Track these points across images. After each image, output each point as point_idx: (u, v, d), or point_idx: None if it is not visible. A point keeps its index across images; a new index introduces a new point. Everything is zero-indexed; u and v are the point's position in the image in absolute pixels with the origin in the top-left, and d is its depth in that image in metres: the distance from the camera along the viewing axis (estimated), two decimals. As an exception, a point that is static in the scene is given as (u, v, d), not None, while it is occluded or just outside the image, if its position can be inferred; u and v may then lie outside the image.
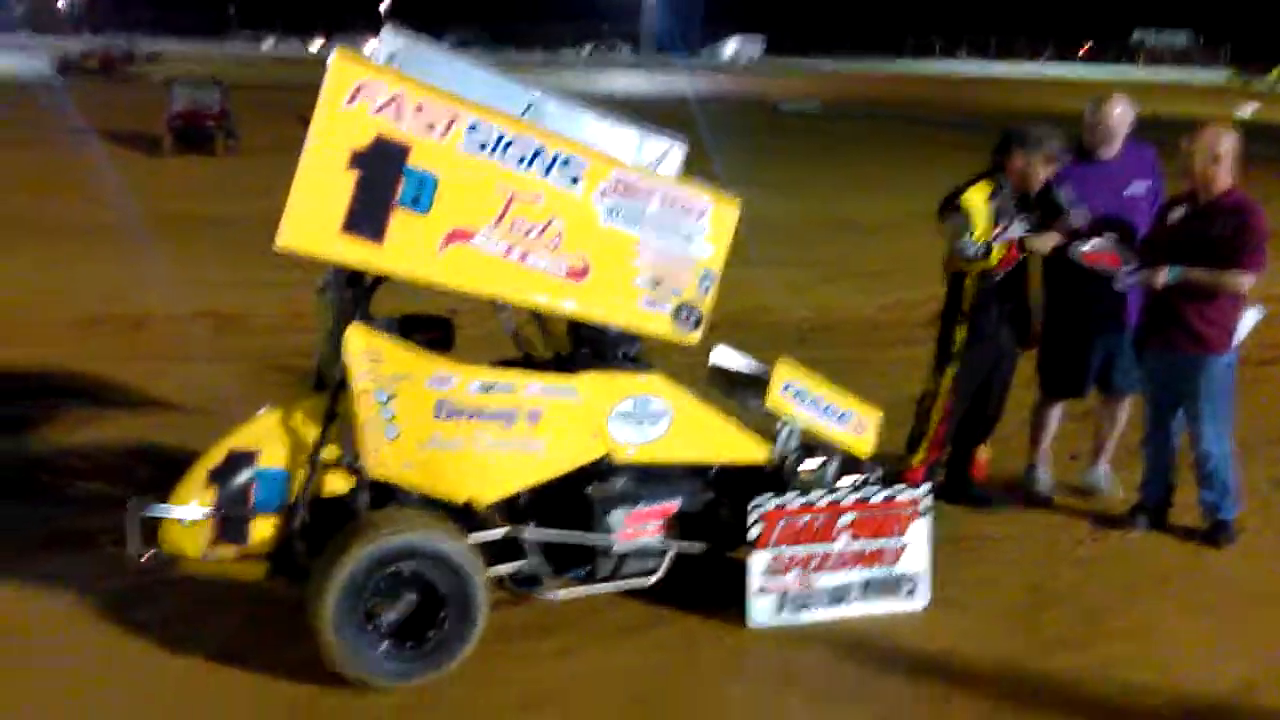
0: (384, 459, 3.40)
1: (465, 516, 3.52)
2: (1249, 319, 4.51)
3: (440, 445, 3.45)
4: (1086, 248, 4.57)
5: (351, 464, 3.41)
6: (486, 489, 3.54)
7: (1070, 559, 4.51)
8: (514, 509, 3.66)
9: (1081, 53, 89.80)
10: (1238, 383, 4.62)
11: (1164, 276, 4.40)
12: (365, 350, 3.36)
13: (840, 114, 35.39)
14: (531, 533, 3.61)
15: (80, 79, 38.32)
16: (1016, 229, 4.60)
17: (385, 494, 3.49)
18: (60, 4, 79.01)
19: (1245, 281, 4.36)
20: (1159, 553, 4.57)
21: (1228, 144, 4.41)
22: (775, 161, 20.84)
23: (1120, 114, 4.83)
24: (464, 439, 3.47)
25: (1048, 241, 4.63)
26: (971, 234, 4.56)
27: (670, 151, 3.98)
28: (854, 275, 10.27)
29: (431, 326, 3.83)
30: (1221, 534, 4.59)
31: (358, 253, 3.24)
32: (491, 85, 3.71)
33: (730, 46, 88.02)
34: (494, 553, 3.58)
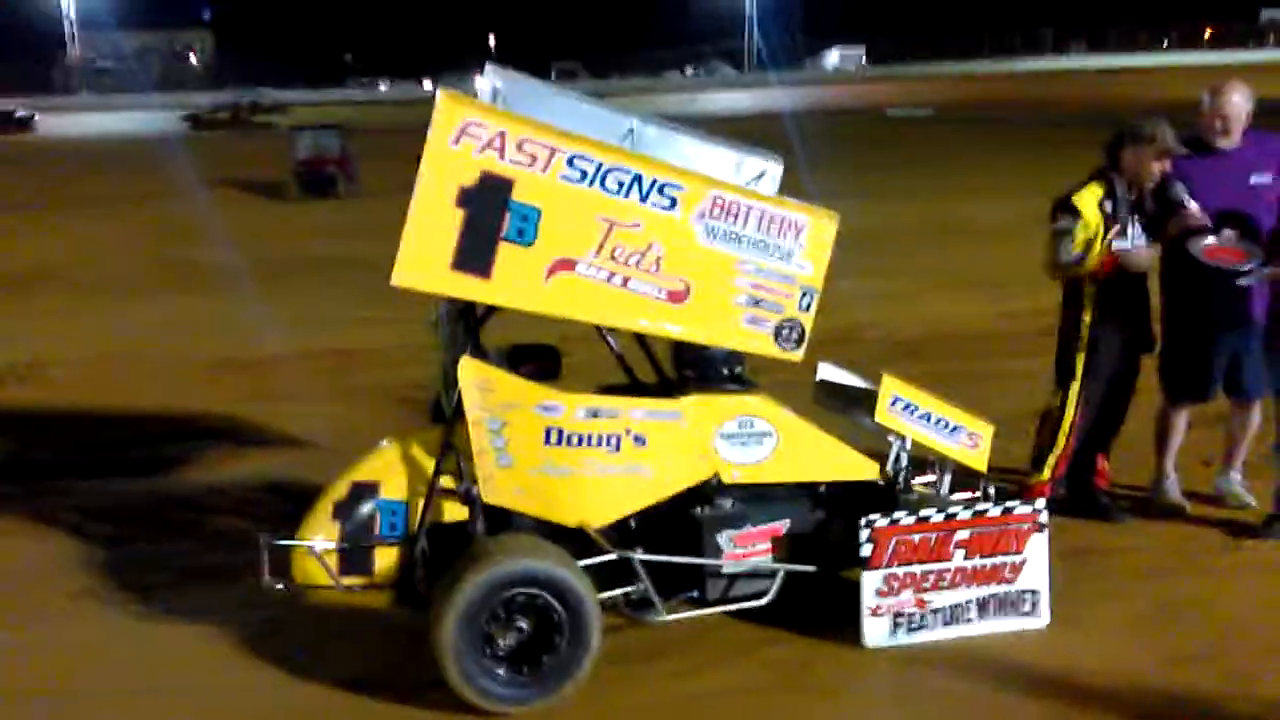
0: (497, 486, 3.50)
1: (577, 541, 3.59)
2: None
3: (551, 471, 3.54)
4: (1208, 243, 4.39)
5: (467, 492, 3.52)
6: (596, 513, 3.61)
7: (1201, 570, 4.32)
8: (624, 532, 3.72)
9: (1206, 37, 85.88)
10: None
11: None
12: (477, 381, 3.47)
13: (951, 118, 34.76)
14: (641, 556, 3.65)
15: (210, 132, 40.54)
16: (1121, 239, 4.47)
17: (500, 520, 3.59)
18: (193, 61, 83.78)
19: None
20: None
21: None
22: (885, 170, 20.59)
23: (1239, 102, 4.62)
24: (573, 465, 3.55)
25: (1144, 260, 4.47)
26: (1073, 239, 4.46)
27: (768, 169, 4.01)
28: (968, 284, 10.05)
29: (539, 356, 3.94)
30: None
31: (468, 287, 3.36)
32: (591, 115, 3.82)
33: (833, 57, 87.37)
34: (606, 577, 3.64)
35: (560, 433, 3.53)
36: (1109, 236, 4.49)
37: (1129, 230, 4.53)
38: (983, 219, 13.72)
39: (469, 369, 3.47)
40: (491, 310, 3.59)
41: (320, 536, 3.55)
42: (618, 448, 3.58)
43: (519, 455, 3.50)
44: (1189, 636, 3.81)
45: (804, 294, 3.63)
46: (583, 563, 3.52)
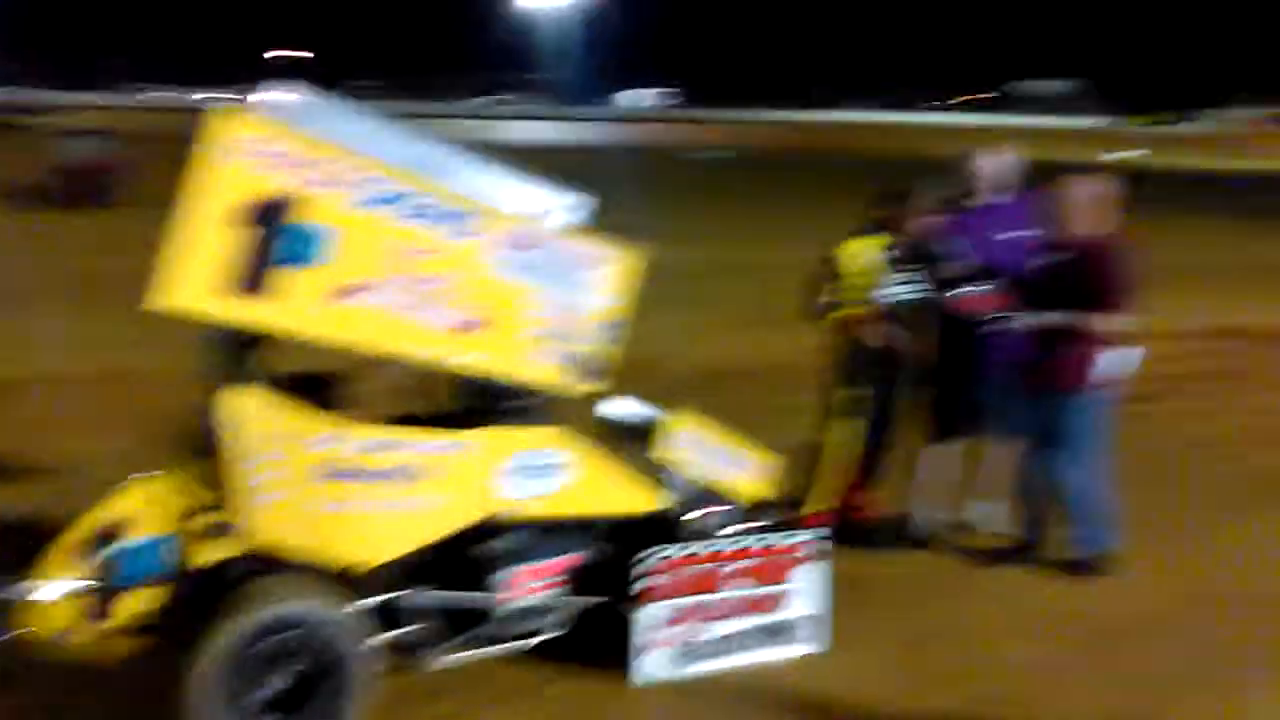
0: (264, 525, 3.31)
1: (351, 582, 3.44)
2: (1121, 359, 4.71)
3: (325, 507, 3.38)
4: (970, 292, 4.74)
5: (231, 530, 3.31)
6: (374, 552, 3.47)
7: (954, 596, 4.62)
8: (404, 571, 3.59)
9: (976, 99, 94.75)
10: (1115, 421, 4.81)
11: (1038, 320, 4.58)
12: (246, 411, 3.29)
13: (750, 162, 36.22)
14: (421, 596, 3.54)
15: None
16: (892, 286, 4.76)
17: (266, 562, 3.38)
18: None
19: (1113, 323, 4.56)
20: (1036, 588, 4.71)
21: (1095, 191, 4.64)
22: (685, 209, 21.13)
23: (996, 165, 5.05)
24: (349, 501, 3.40)
25: (877, 336, 4.75)
26: (828, 287, 4.75)
27: (569, 203, 4.02)
28: (765, 321, 10.37)
29: (317, 384, 3.77)
30: (1095, 568, 4.77)
31: (240, 311, 3.19)
32: (387, 138, 3.71)
33: (640, 96, 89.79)
34: (382, 618, 3.51)
35: (337, 466, 3.38)
36: (880, 284, 4.78)
37: (900, 279, 4.83)
38: (777, 259, 14.24)
39: (240, 398, 3.28)
40: (267, 336, 3.42)
41: (69, 578, 3.25)
42: (400, 482, 3.47)
43: (290, 491, 3.33)
44: (943, 660, 4.05)
45: (602, 328, 3.66)
46: (357, 604, 3.37)
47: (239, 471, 3.26)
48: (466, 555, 3.67)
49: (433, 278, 3.39)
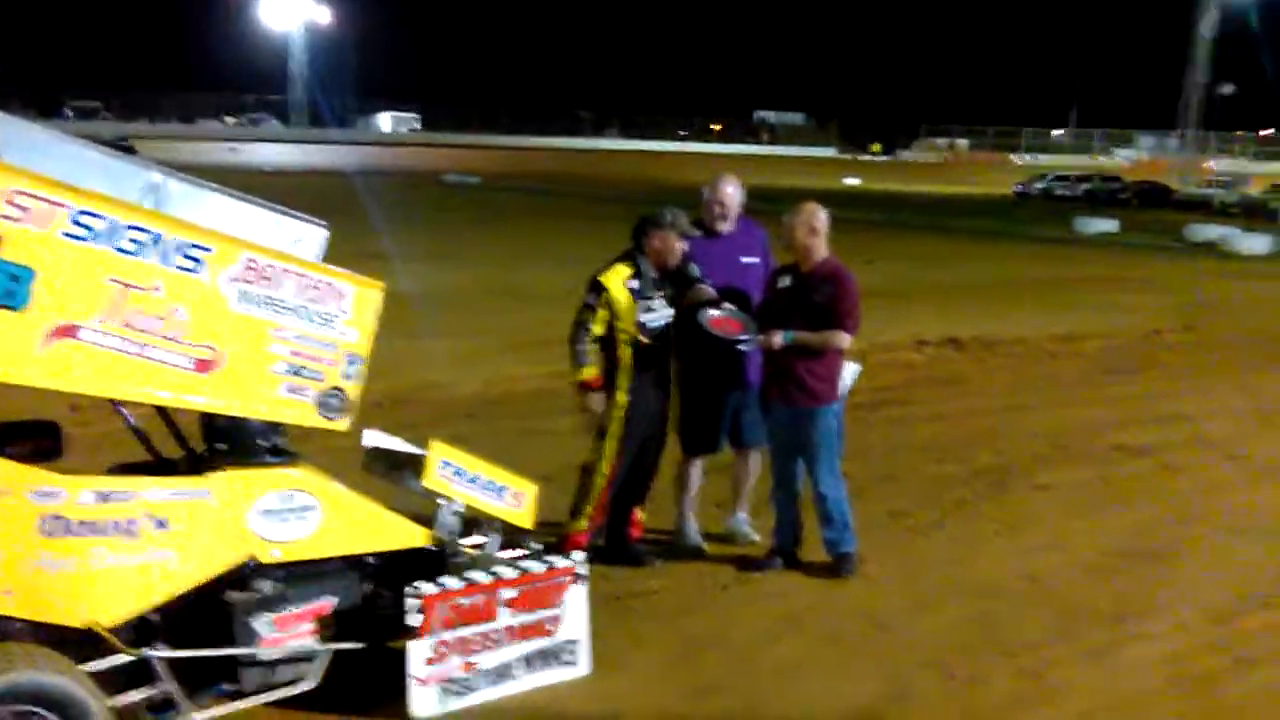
0: (-17, 588, 2.99)
1: (84, 643, 3.16)
2: (849, 372, 5.10)
3: (49, 566, 3.10)
4: (713, 315, 4.96)
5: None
6: (108, 610, 3.20)
7: (718, 605, 4.80)
8: (144, 627, 3.33)
9: (716, 130, 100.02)
10: (847, 427, 5.17)
11: (778, 339, 4.88)
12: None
13: (502, 187, 36.25)
14: (163, 653, 3.30)
15: None
16: (647, 313, 4.93)
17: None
18: None
19: (845, 340, 4.93)
20: (794, 590, 4.97)
21: (822, 218, 4.99)
22: (441, 233, 20.91)
23: (732, 192, 5.32)
24: (78, 557, 3.13)
25: (641, 357, 4.90)
26: (591, 326, 4.86)
27: (309, 233, 3.88)
28: (524, 345, 10.41)
29: (34, 433, 3.46)
30: (844, 567, 5.09)
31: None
32: (104, 167, 3.45)
33: (386, 120, 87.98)
34: (129, 677, 3.24)
35: (60, 520, 3.11)
36: (639, 309, 4.92)
37: (654, 305, 4.99)
38: (536, 283, 14.36)
39: (-60, 454, 2.95)
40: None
41: None
42: (133, 535, 3.22)
43: (7, 550, 3.03)
44: (711, 669, 4.19)
45: (349, 362, 3.55)
46: (91, 665, 3.10)
47: None
48: (218, 605, 3.46)
49: (164, 314, 3.18)
